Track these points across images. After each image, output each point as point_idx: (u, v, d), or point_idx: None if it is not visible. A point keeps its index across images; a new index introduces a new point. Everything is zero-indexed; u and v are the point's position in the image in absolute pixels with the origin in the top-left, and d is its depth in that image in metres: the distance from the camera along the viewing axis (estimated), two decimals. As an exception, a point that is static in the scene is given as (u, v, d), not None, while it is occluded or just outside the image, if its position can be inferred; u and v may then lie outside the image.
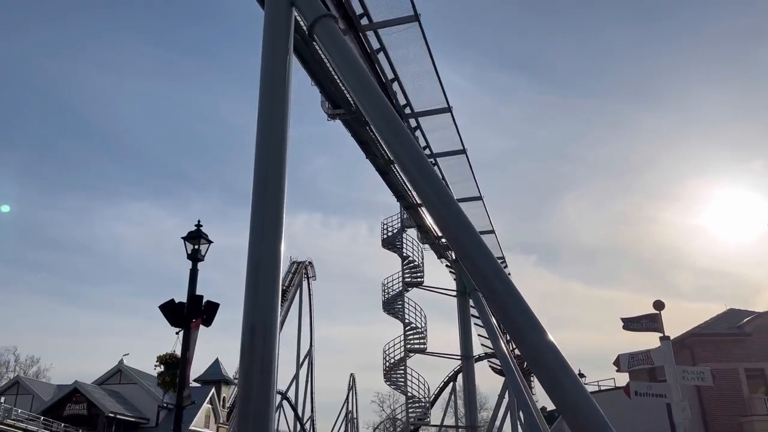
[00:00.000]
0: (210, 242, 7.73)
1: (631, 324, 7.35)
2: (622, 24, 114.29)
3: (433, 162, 17.71)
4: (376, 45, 12.87)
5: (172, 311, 7.11)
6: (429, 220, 20.63)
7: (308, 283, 73.63)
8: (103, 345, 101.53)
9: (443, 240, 22.10)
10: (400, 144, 8.20)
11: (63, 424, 34.52)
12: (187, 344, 7.06)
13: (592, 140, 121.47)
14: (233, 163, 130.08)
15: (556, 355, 6.98)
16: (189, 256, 7.60)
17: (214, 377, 50.56)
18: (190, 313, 6.99)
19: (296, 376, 70.21)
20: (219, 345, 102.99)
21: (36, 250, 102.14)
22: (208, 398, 45.64)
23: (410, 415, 20.86)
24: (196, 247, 7.56)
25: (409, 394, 20.60)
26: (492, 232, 22.16)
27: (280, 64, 8.39)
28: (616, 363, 7.11)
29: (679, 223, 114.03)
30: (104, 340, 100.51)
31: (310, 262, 73.70)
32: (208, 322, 7.26)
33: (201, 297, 7.29)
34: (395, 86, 14.27)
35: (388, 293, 21.92)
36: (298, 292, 70.69)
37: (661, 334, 7.09)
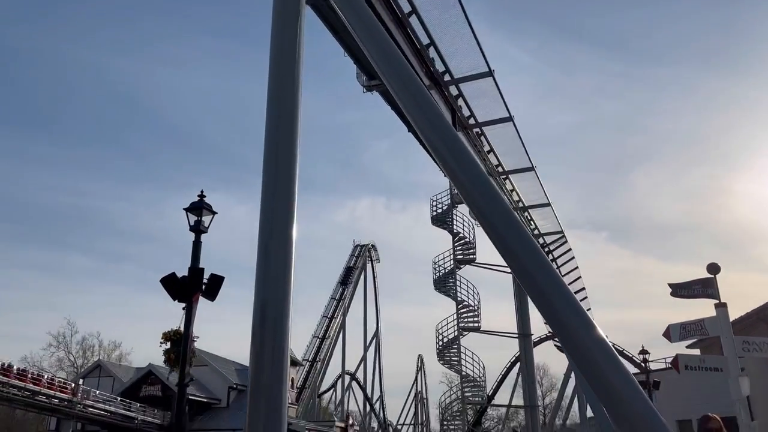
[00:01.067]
0: (214, 213, 7.44)
1: (681, 290, 6.54)
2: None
3: (479, 132, 16.91)
4: (407, 8, 12.23)
5: (173, 285, 6.90)
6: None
7: (372, 266, 73.84)
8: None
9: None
10: (416, 107, 7.62)
11: (139, 405, 36.08)
12: (189, 319, 6.85)
13: (664, 111, 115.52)
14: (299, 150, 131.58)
15: (607, 354, 6.21)
16: (191, 228, 7.34)
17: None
18: (191, 286, 6.76)
19: (364, 358, 70.90)
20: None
21: (116, 241, 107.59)
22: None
23: (465, 394, 20.35)
24: (199, 218, 7.30)
25: (463, 373, 20.07)
26: (548, 205, 21.12)
27: (290, 23, 7.93)
28: (666, 334, 6.38)
29: (758, 194, 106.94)
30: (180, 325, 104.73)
31: (373, 245, 73.95)
32: (212, 296, 7.02)
33: (202, 270, 7.05)
34: (432, 52, 13.58)
35: (439, 271, 21.38)
36: (362, 275, 71.02)
37: (717, 301, 6.25)
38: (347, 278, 66.89)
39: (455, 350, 20.45)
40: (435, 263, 21.47)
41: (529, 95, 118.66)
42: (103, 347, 68.97)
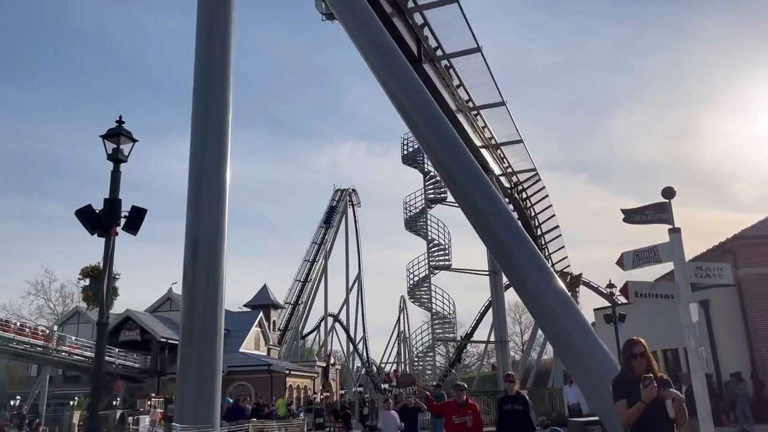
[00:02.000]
0: (134, 141, 6.90)
1: (635, 216, 6.28)
2: None
3: (448, 64, 16.31)
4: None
5: (89, 217, 6.47)
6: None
7: (353, 210, 73.53)
8: (156, 276, 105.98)
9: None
10: (363, 32, 7.06)
11: (118, 350, 36.16)
12: (107, 253, 6.45)
13: (645, 49, 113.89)
14: (275, 95, 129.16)
15: (564, 302, 5.94)
16: (109, 157, 6.81)
17: (263, 302, 51.91)
18: (107, 218, 6.32)
19: (346, 300, 71.64)
20: (268, 272, 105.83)
21: (93, 187, 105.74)
22: (256, 322, 47.00)
23: (436, 331, 20.50)
24: (117, 146, 6.78)
25: (433, 310, 20.14)
26: (520, 141, 20.79)
27: None
28: (619, 262, 6.19)
29: (738, 133, 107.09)
30: (156, 270, 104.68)
31: (353, 190, 73.45)
32: (134, 229, 6.61)
33: (119, 201, 6.61)
34: (393, -24, 12.83)
35: (410, 211, 21.10)
36: (343, 219, 70.79)
37: (671, 226, 5.98)
38: (330, 218, 66.62)
39: (426, 288, 20.44)
40: (406, 203, 21.22)
41: (512, 36, 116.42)
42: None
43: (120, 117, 6.56)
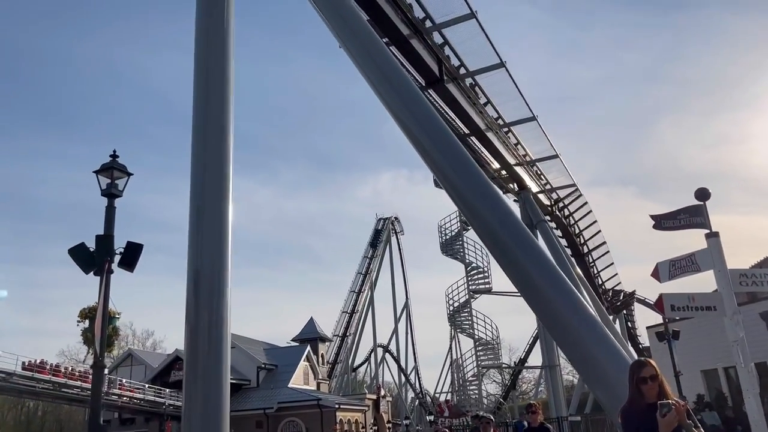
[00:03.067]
0: (129, 174, 6.78)
1: (666, 222, 5.71)
2: None
3: (472, 82, 15.94)
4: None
5: (82, 255, 6.32)
6: (485, 152, 18.94)
7: (397, 239, 73.17)
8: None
9: (504, 172, 20.33)
10: (368, 60, 6.78)
11: (168, 390, 36.45)
12: (103, 292, 6.25)
13: (687, 57, 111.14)
14: (315, 129, 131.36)
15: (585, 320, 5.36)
16: (103, 192, 6.68)
17: (310, 336, 51.72)
18: (99, 254, 6.17)
19: (395, 330, 70.82)
20: (313, 304, 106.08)
21: (146, 231, 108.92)
22: (304, 356, 46.76)
23: (480, 358, 19.74)
24: (111, 181, 6.65)
25: (476, 337, 19.43)
26: (555, 156, 20.10)
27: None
28: (654, 274, 5.61)
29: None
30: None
31: (396, 218, 73.23)
32: (130, 266, 6.43)
33: (111, 237, 6.45)
34: (408, -2, 12.64)
35: (445, 235, 20.60)
36: (387, 248, 70.51)
37: (708, 231, 5.39)
38: (374, 247, 66.43)
39: (466, 314, 19.79)
40: (440, 226, 20.75)
41: (547, 53, 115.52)
42: (136, 336, 70.28)
43: (114, 151, 6.52)
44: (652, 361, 3.26)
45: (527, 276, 5.43)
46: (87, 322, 7.90)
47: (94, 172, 6.66)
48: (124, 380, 34.27)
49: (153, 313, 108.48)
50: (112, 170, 6.64)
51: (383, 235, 68.74)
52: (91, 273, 6.30)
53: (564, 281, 5.44)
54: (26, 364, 26.82)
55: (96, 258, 6.19)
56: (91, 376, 27.56)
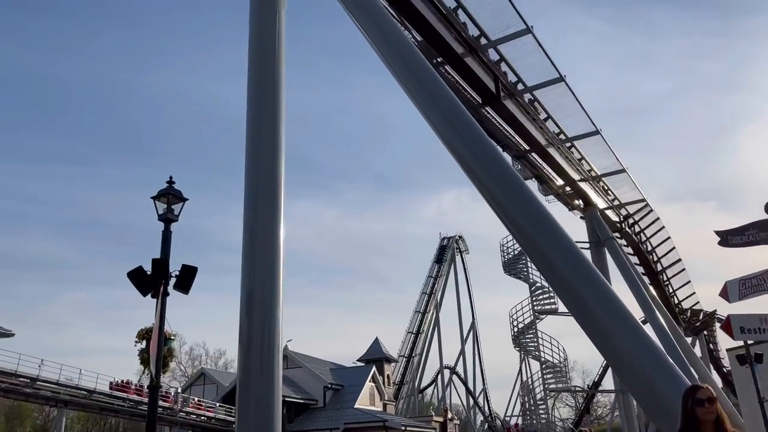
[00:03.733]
0: (184, 200, 6.99)
1: (733, 238, 5.37)
2: None
3: (531, 98, 15.66)
4: (425, -29, 11.38)
5: (140, 278, 6.52)
6: (548, 168, 18.49)
7: (462, 258, 72.39)
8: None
9: (568, 188, 19.77)
10: (412, 82, 6.78)
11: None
12: (158, 313, 6.41)
13: (764, 64, 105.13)
14: (377, 150, 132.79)
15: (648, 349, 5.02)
16: (160, 217, 6.92)
17: (376, 356, 51.65)
18: (157, 278, 6.34)
19: (462, 351, 69.72)
20: (379, 324, 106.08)
21: (217, 254, 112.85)
22: (369, 376, 46.70)
23: (547, 381, 19.03)
24: (168, 206, 6.87)
25: (542, 359, 18.77)
26: (622, 171, 19.37)
27: (268, 25, 7.38)
28: (723, 294, 5.21)
29: None
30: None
31: (460, 237, 72.51)
32: (185, 289, 6.58)
33: (167, 260, 6.63)
34: (461, 15, 12.61)
35: (507, 254, 20.12)
36: (452, 267, 69.87)
37: (781, 247, 5.02)
38: (438, 267, 65.93)
39: (531, 335, 19.19)
40: (502, 245, 20.29)
41: (613, 66, 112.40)
42: (209, 356, 72.35)
43: (171, 177, 6.81)
44: (708, 386, 3.01)
45: (579, 299, 5.20)
46: (144, 343, 8.18)
47: (151, 197, 6.99)
48: (196, 399, 35.26)
49: (225, 333, 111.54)
50: (169, 196, 6.92)
51: (447, 254, 68.13)
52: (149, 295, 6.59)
53: (619, 304, 5.17)
54: (113, 383, 28.18)
55: (152, 281, 6.43)
56: (169, 396, 28.47)
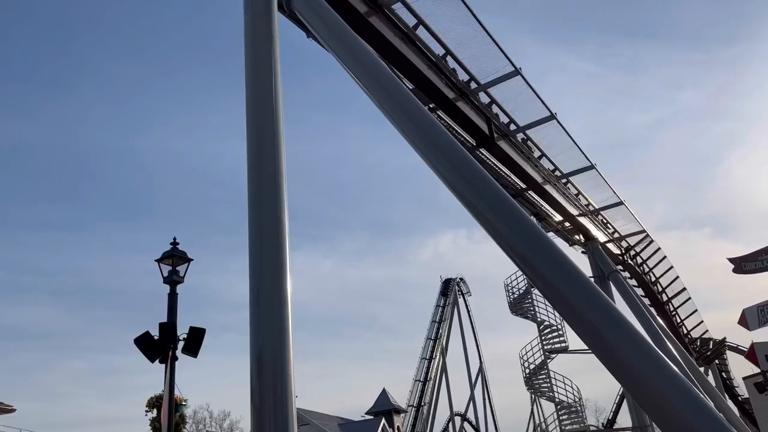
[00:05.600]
0: (189, 260, 6.90)
1: (747, 264, 5.31)
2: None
3: (524, 137, 15.82)
4: (411, 21, 11.64)
5: (147, 344, 6.34)
6: (546, 206, 18.54)
7: (464, 300, 71.83)
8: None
9: (567, 224, 19.77)
10: (410, 127, 6.85)
11: (247, 472, 36.12)
12: (168, 379, 6.22)
13: (745, 91, 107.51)
14: (372, 198, 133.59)
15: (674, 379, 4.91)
16: (165, 280, 6.80)
17: (384, 408, 50.70)
18: (164, 343, 6.17)
19: (471, 396, 68.32)
20: (386, 375, 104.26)
21: (216, 312, 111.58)
22: (379, 429, 45.68)
23: (563, 423, 18.54)
24: (173, 268, 6.76)
25: (557, 400, 18.34)
26: (620, 203, 19.41)
27: (263, 62, 7.51)
28: (742, 321, 5.08)
29: None
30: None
31: (461, 279, 72.11)
32: (194, 351, 6.40)
33: (174, 324, 6.47)
34: (450, 62, 12.85)
35: (513, 293, 19.94)
36: (455, 310, 69.22)
37: (797, 270, 4.95)
38: (441, 311, 65.29)
39: (544, 376, 18.81)
40: (507, 285, 20.14)
41: (597, 101, 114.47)
42: (213, 418, 70.58)
43: (174, 239, 6.73)
44: None
45: (597, 334, 5.10)
46: (154, 411, 7.91)
47: (155, 260, 6.87)
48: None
49: (228, 393, 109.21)
50: (173, 257, 6.81)
51: (449, 297, 67.57)
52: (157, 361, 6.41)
53: (638, 335, 5.07)
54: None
55: (160, 346, 6.27)
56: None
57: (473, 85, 13.32)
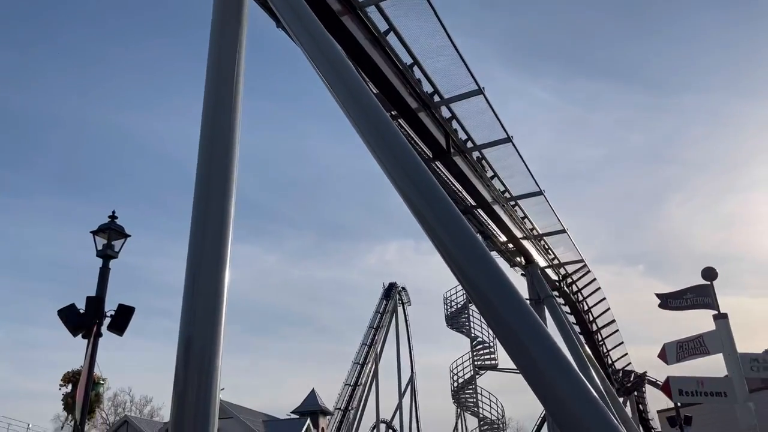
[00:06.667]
0: (126, 236, 6.71)
1: (672, 301, 5.56)
2: (714, 13, 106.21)
3: (479, 156, 16.10)
4: (383, 26, 11.70)
5: (71, 317, 6.15)
6: (492, 225, 18.89)
7: (404, 309, 72.22)
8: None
9: (511, 245, 20.20)
10: (370, 130, 6.89)
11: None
12: (89, 355, 6.04)
13: (693, 139, 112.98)
14: (323, 198, 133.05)
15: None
16: (98, 253, 6.59)
17: (311, 408, 50.38)
18: (89, 318, 5.99)
19: (399, 405, 68.64)
20: (316, 375, 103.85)
21: (152, 295, 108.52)
22: (303, 429, 45.33)
23: (484, 438, 18.92)
24: (108, 242, 6.57)
25: (480, 416, 18.67)
26: (563, 231, 19.97)
27: (228, 51, 7.40)
28: (661, 356, 5.37)
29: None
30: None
31: (403, 288, 72.51)
32: (120, 329, 6.25)
33: (102, 299, 6.30)
34: (417, 72, 12.98)
35: (451, 307, 20.22)
36: (393, 319, 69.46)
37: (716, 312, 5.22)
38: (383, 310, 65.38)
39: (471, 391, 19.12)
40: (446, 298, 20.41)
41: (553, 131, 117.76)
42: (134, 403, 68.56)
43: (113, 212, 6.50)
44: None
45: (527, 354, 5.24)
46: (70, 386, 7.58)
47: (90, 232, 6.61)
48: (116, 449, 33.13)
49: (153, 378, 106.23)
50: (110, 231, 6.57)
51: (390, 304, 67.85)
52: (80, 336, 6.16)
53: (565, 360, 5.24)
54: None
55: (85, 320, 6.04)
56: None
57: (436, 98, 13.47)
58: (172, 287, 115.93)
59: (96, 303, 6.21)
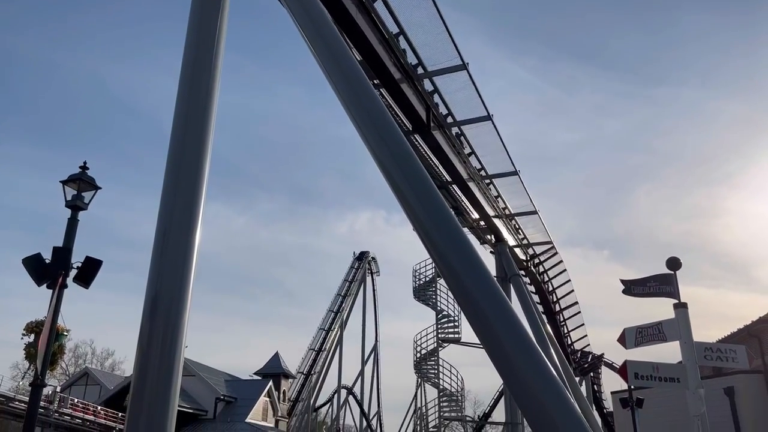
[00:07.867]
0: (97, 188, 6.59)
1: (636, 288, 5.69)
2: (694, 8, 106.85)
3: (459, 132, 16.11)
4: (372, -7, 11.51)
5: (37, 266, 6.06)
6: (466, 201, 19.02)
7: (372, 279, 72.70)
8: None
9: (482, 223, 20.41)
10: (351, 96, 6.81)
11: (121, 414, 35.17)
12: (53, 306, 5.97)
13: (665, 130, 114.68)
14: (298, 162, 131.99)
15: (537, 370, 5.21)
16: (67, 204, 6.46)
17: (274, 371, 50.66)
18: (54, 267, 5.90)
19: (361, 372, 69.57)
20: (281, 340, 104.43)
21: (116, 249, 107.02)
22: (265, 391, 45.67)
23: (443, 409, 19.37)
24: (78, 193, 6.44)
25: (441, 387, 19.10)
26: (534, 212, 20.28)
27: (208, 22, 7.22)
28: (621, 340, 5.56)
29: (760, 214, 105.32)
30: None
31: (373, 258, 72.86)
32: (86, 282, 6.19)
33: (69, 250, 6.21)
34: (402, 42, 12.83)
35: (419, 279, 20.45)
36: (361, 288, 69.89)
37: (676, 301, 5.37)
38: (352, 278, 65.72)
39: (433, 362, 19.50)
40: (416, 271, 20.63)
41: (531, 112, 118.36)
42: (96, 355, 68.18)
43: (84, 163, 6.35)
44: None
45: (490, 330, 5.35)
46: (32, 336, 7.49)
47: (60, 181, 6.46)
48: (76, 399, 32.97)
49: (115, 332, 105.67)
50: (80, 182, 6.42)
51: (359, 273, 68.18)
52: (45, 286, 6.04)
53: (527, 337, 5.37)
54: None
55: (50, 270, 5.94)
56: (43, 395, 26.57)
57: (420, 70, 13.38)
58: (136, 241, 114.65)
59: (63, 253, 6.09)
